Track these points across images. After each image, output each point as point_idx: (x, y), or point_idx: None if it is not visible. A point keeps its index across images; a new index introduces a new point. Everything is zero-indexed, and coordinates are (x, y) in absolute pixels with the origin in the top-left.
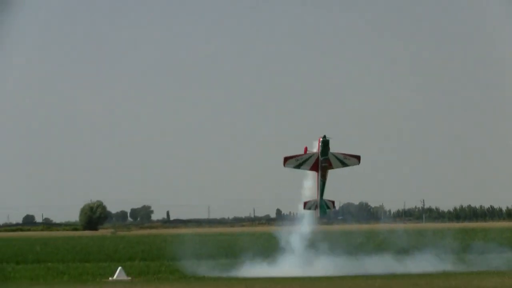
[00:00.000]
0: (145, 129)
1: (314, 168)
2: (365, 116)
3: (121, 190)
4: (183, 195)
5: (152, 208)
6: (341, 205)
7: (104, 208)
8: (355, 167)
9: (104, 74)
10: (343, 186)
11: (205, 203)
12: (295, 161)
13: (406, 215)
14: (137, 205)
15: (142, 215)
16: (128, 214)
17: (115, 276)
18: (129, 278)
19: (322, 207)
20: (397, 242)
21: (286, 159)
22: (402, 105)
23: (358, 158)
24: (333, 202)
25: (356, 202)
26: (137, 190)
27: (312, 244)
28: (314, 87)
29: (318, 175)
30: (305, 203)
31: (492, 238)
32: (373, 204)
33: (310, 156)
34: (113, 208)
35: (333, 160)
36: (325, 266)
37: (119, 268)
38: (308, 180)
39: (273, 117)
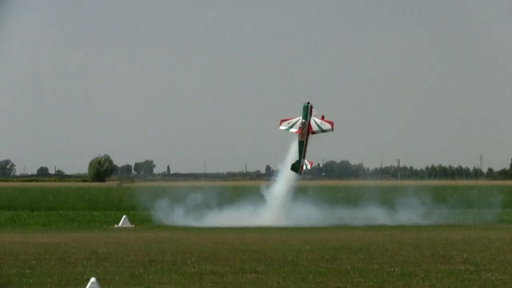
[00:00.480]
0: (148, 92)
1: (299, 130)
2: (348, 82)
3: (126, 146)
4: (182, 151)
5: (154, 163)
6: (324, 163)
7: (111, 162)
8: (331, 133)
9: (108, 32)
10: (326, 146)
11: (202, 158)
12: (287, 124)
13: (383, 172)
14: (141, 159)
15: (145, 168)
16: (132, 168)
17: (120, 224)
18: (133, 225)
19: (305, 165)
20: (374, 197)
21: (281, 122)
22: (381, 69)
23: (331, 123)
24: (311, 163)
25: (338, 161)
26: (141, 146)
27: (296, 197)
28: (302, 53)
29: (303, 137)
30: (292, 165)
31: (460, 195)
32: (353, 162)
33: (298, 120)
34: (119, 162)
35: (313, 124)
36: (308, 217)
37: (124, 216)
38: (294, 142)
39: (267, 80)
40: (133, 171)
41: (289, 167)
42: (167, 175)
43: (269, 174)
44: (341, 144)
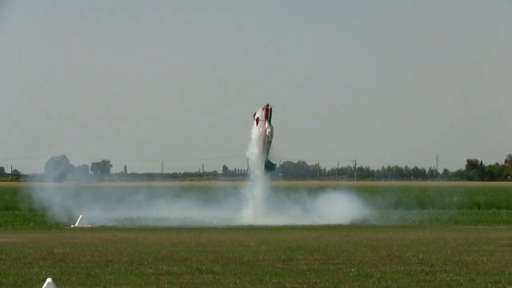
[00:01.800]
0: (106, 90)
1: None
2: (303, 81)
3: (83, 146)
4: (139, 151)
5: (111, 163)
6: (281, 163)
7: (67, 161)
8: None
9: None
10: (282, 146)
11: (159, 158)
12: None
13: (339, 173)
14: (97, 159)
15: (101, 168)
16: (89, 168)
17: (76, 224)
18: (89, 225)
19: (271, 166)
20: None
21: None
22: (338, 68)
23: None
24: (274, 165)
25: (295, 161)
26: (97, 146)
27: (255, 197)
28: (257, 48)
29: (264, 137)
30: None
31: (415, 196)
32: (310, 162)
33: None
34: (75, 162)
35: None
36: (272, 218)
37: (80, 216)
38: (256, 141)
39: (225, 79)
40: (89, 171)
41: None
42: (124, 175)
43: (226, 175)
44: (298, 144)
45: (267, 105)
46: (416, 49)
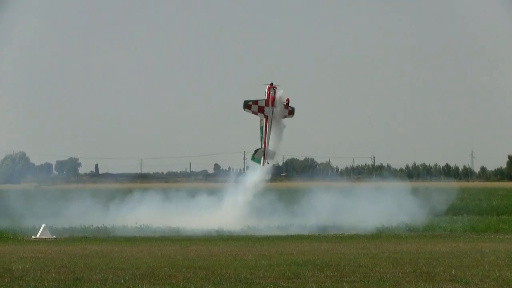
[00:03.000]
0: (75, 76)
1: (260, 110)
2: (316, 68)
3: (46, 141)
4: (114, 147)
5: (79, 161)
6: (284, 161)
7: (27, 159)
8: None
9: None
10: (287, 140)
11: (138, 156)
12: (254, 106)
13: (355, 172)
14: (63, 157)
15: (68, 168)
16: (53, 167)
17: (38, 234)
18: (54, 236)
19: (269, 155)
20: (346, 201)
21: (245, 103)
22: (354, 58)
23: (292, 111)
24: (274, 153)
25: (301, 158)
26: (63, 141)
27: (253, 202)
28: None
29: (266, 122)
30: (255, 151)
31: (447, 199)
32: (319, 160)
33: (263, 104)
34: (36, 160)
35: (278, 108)
36: (265, 225)
37: (43, 225)
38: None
39: (211, 70)
40: (54, 171)
41: (256, 157)
42: (95, 176)
43: (218, 174)
44: (305, 138)
45: (271, 83)
46: (450, 34)
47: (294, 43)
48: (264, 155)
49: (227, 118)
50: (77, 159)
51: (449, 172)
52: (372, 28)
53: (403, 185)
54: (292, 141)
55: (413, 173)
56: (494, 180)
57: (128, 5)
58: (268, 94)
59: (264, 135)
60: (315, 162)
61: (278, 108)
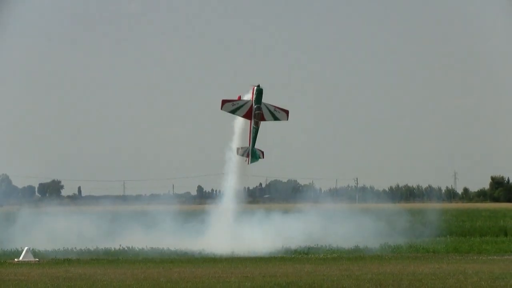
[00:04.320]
0: (56, 96)
1: (247, 115)
2: (299, 89)
3: (28, 163)
4: (96, 169)
5: (62, 183)
6: (267, 183)
7: (9, 182)
8: (284, 123)
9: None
10: (271, 162)
11: (120, 178)
12: (231, 105)
13: (338, 194)
14: (46, 179)
15: (51, 190)
16: (36, 190)
17: (21, 257)
18: (37, 259)
19: (254, 155)
20: (328, 223)
21: (223, 102)
22: (336, 79)
23: (286, 112)
24: (262, 152)
25: (284, 180)
26: (46, 163)
27: (237, 223)
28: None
29: (251, 122)
30: (237, 149)
31: (430, 220)
32: (302, 181)
33: (246, 103)
34: (19, 182)
35: (264, 110)
36: (250, 245)
37: (26, 248)
38: (239, 127)
39: (200, 78)
40: (36, 193)
41: (238, 155)
42: (78, 198)
43: (201, 196)
44: (288, 159)
45: (258, 85)
46: (434, 54)
47: (275, 63)
48: (248, 155)
49: (210, 140)
50: (59, 182)
51: (431, 193)
52: (356, 47)
53: (385, 207)
54: (275, 163)
55: (396, 194)
56: (477, 201)
57: (107, 25)
58: (258, 95)
59: (249, 136)
60: (298, 183)
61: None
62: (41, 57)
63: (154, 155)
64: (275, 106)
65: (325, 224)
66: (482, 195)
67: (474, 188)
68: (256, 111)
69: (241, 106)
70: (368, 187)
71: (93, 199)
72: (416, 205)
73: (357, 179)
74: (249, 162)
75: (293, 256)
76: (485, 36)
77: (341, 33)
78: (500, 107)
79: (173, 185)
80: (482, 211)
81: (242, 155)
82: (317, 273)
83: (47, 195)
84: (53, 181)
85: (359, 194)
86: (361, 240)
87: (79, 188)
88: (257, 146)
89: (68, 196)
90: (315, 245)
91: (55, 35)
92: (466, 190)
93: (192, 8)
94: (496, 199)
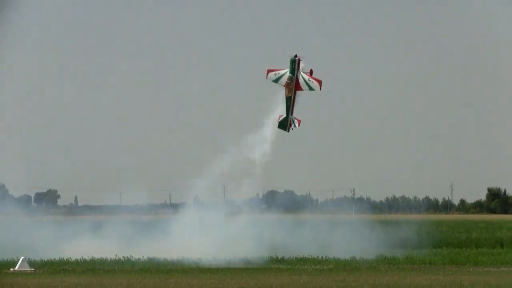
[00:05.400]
0: (52, 104)
1: (287, 85)
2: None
3: (25, 172)
4: (93, 178)
5: (58, 193)
6: (264, 193)
7: (5, 191)
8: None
9: None
10: (267, 173)
11: (117, 188)
12: (274, 75)
13: (335, 205)
14: (42, 189)
15: (47, 200)
16: (32, 199)
17: (17, 267)
18: (32, 269)
19: (292, 123)
20: (321, 234)
21: (268, 72)
22: (334, 89)
23: (319, 82)
24: (299, 121)
25: (281, 190)
26: (42, 172)
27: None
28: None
29: (290, 92)
30: (279, 117)
31: (427, 231)
32: (299, 192)
33: (285, 72)
34: (15, 192)
35: (300, 81)
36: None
37: (22, 258)
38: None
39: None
40: (33, 203)
41: (279, 125)
42: (74, 208)
43: (198, 206)
44: (285, 170)
45: (295, 56)
46: (428, 64)
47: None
48: (288, 122)
49: (211, 146)
50: (56, 191)
51: (428, 204)
52: (353, 57)
53: (382, 218)
54: (271, 174)
55: (392, 205)
56: (473, 213)
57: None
58: (298, 66)
59: (292, 105)
60: (295, 194)
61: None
62: (39, 63)
63: (151, 164)
64: (310, 76)
65: (321, 234)
66: (478, 207)
67: (470, 199)
68: (287, 81)
69: (282, 75)
70: (365, 198)
71: (89, 209)
72: (413, 216)
73: (353, 190)
74: (288, 130)
75: (289, 266)
76: (486, 47)
77: (336, 43)
78: (496, 119)
79: (169, 195)
80: (478, 223)
81: (282, 123)
82: (313, 284)
83: (43, 204)
84: (49, 190)
85: (356, 205)
86: (357, 250)
87: (76, 198)
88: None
89: (64, 206)
90: (310, 256)
91: (50, 45)
92: (462, 201)
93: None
94: (492, 211)
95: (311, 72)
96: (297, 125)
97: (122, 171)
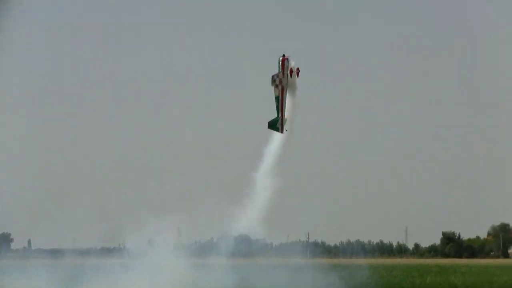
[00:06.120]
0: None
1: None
2: None
3: None
4: (47, 221)
5: (12, 236)
6: (218, 237)
7: None
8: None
9: None
10: (221, 218)
11: (71, 231)
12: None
13: (289, 249)
14: None
15: (0, 243)
16: None
17: None
18: None
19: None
20: (269, 280)
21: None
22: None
23: (297, 72)
24: (297, 70)
25: (235, 234)
26: None
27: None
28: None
29: (283, 93)
30: (272, 120)
31: (381, 276)
32: (253, 236)
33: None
34: None
35: (293, 78)
36: None
37: None
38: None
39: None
40: None
41: (270, 127)
42: (28, 251)
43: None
44: (239, 214)
45: (283, 55)
46: (382, 115)
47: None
48: (281, 123)
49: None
50: (9, 234)
51: (383, 248)
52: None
53: (335, 262)
54: (226, 217)
55: (347, 249)
56: (428, 257)
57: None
58: (283, 65)
59: (281, 105)
60: (249, 238)
61: (293, 78)
62: None
63: (105, 207)
64: (297, 72)
65: (274, 279)
66: (433, 251)
67: (425, 243)
68: (275, 79)
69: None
70: (320, 242)
71: (43, 252)
72: (368, 260)
73: (308, 234)
74: (281, 131)
75: None
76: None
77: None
78: (450, 164)
79: (123, 239)
80: (432, 267)
81: (274, 125)
82: None
83: None
84: (3, 234)
85: (311, 249)
86: None
87: (29, 241)
88: None
89: (18, 249)
90: None
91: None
92: (417, 245)
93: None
94: (447, 255)
95: (297, 71)
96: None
97: (76, 213)
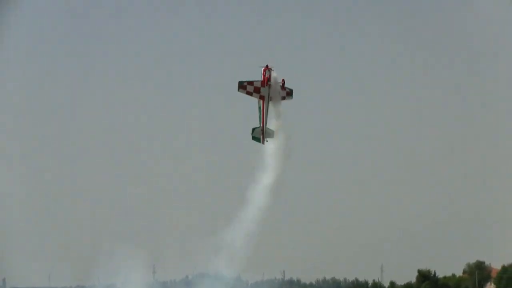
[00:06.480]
0: None
1: (261, 96)
2: None
3: None
4: (22, 260)
5: None
6: (191, 277)
7: None
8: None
9: None
10: (196, 256)
11: (46, 269)
12: (249, 86)
13: (265, 286)
14: None
15: None
16: None
17: None
18: None
19: (267, 133)
20: None
21: (239, 84)
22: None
23: (290, 93)
24: (273, 132)
25: (210, 272)
26: None
27: None
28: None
29: (263, 102)
30: (253, 130)
31: None
32: (229, 274)
33: (259, 85)
34: None
35: (273, 89)
36: None
37: None
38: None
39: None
40: None
41: (253, 136)
42: None
43: None
44: (214, 252)
45: (267, 66)
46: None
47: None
48: (262, 133)
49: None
50: None
51: (358, 286)
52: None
53: None
54: (201, 256)
55: (322, 287)
56: None
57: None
58: (264, 75)
59: (262, 115)
60: (225, 276)
61: (274, 89)
62: None
63: (79, 245)
64: (282, 85)
65: None
66: None
67: (400, 281)
68: (265, 92)
69: (256, 88)
70: (295, 280)
71: None
72: None
73: (284, 271)
74: (263, 142)
75: None
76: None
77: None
78: (425, 202)
79: (98, 277)
80: None
81: (257, 134)
82: None
83: None
84: None
85: (286, 286)
86: None
87: (4, 280)
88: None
89: None
90: None
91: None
92: (392, 283)
93: None
94: None
95: (283, 83)
96: (273, 135)
97: (50, 252)
